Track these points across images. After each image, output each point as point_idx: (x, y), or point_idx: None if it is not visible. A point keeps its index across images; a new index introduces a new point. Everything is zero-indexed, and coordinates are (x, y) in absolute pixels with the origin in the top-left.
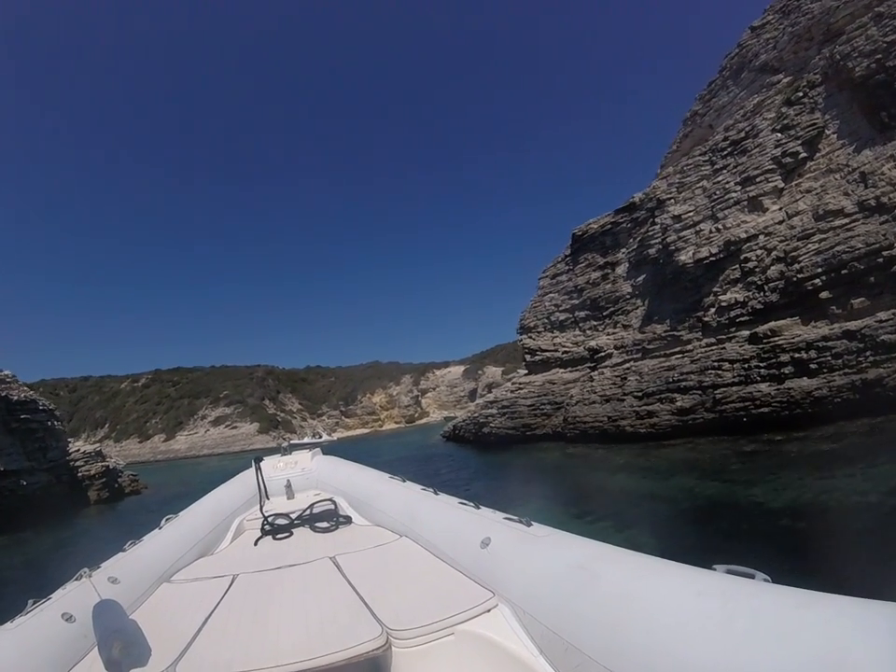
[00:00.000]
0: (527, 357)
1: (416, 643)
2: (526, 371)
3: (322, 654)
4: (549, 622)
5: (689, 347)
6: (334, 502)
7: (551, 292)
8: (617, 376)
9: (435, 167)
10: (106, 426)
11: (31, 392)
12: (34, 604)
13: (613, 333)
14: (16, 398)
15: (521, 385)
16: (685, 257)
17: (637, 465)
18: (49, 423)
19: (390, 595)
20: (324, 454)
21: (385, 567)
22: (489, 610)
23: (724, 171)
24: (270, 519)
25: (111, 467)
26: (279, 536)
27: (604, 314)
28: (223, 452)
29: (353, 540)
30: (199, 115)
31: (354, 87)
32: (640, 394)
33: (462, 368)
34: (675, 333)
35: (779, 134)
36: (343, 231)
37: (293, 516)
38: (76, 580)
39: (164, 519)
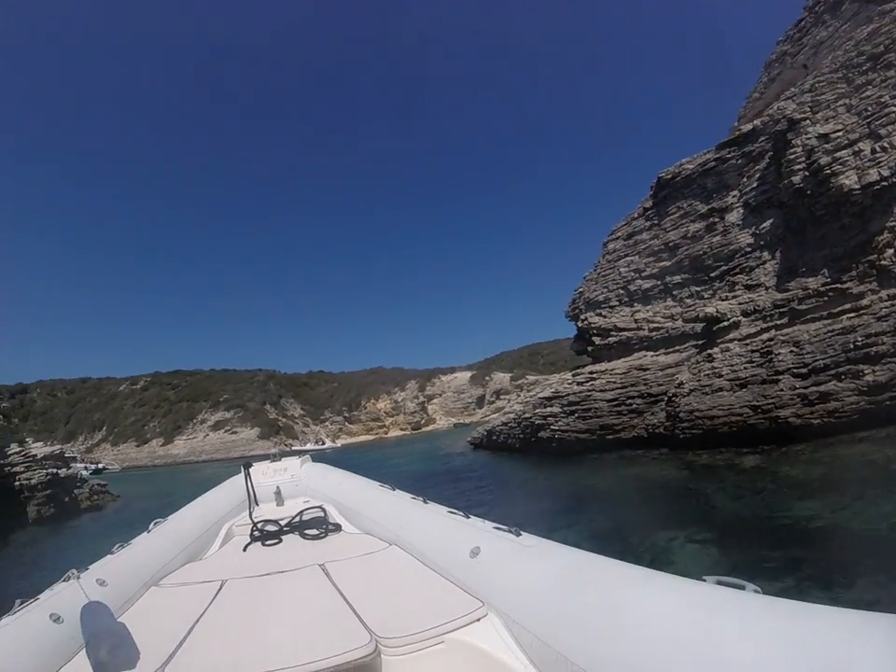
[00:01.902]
0: (596, 340)
1: (406, 651)
2: (591, 361)
3: (311, 661)
4: (538, 631)
5: (864, 302)
6: (324, 510)
7: (626, 255)
8: (754, 351)
9: (437, 175)
10: (104, 428)
11: None
12: (21, 604)
13: (734, 297)
14: None
15: (594, 375)
16: (849, 181)
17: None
18: None
19: (379, 603)
20: (315, 461)
21: (374, 574)
22: (479, 619)
23: (870, 86)
24: (259, 525)
25: (63, 475)
26: (268, 542)
27: (712, 275)
28: (223, 457)
29: (342, 548)
30: (203, 116)
31: (360, 84)
32: (805, 370)
33: (469, 373)
34: (838, 286)
35: None
36: (346, 235)
37: (282, 523)
38: (63, 581)
39: (153, 522)
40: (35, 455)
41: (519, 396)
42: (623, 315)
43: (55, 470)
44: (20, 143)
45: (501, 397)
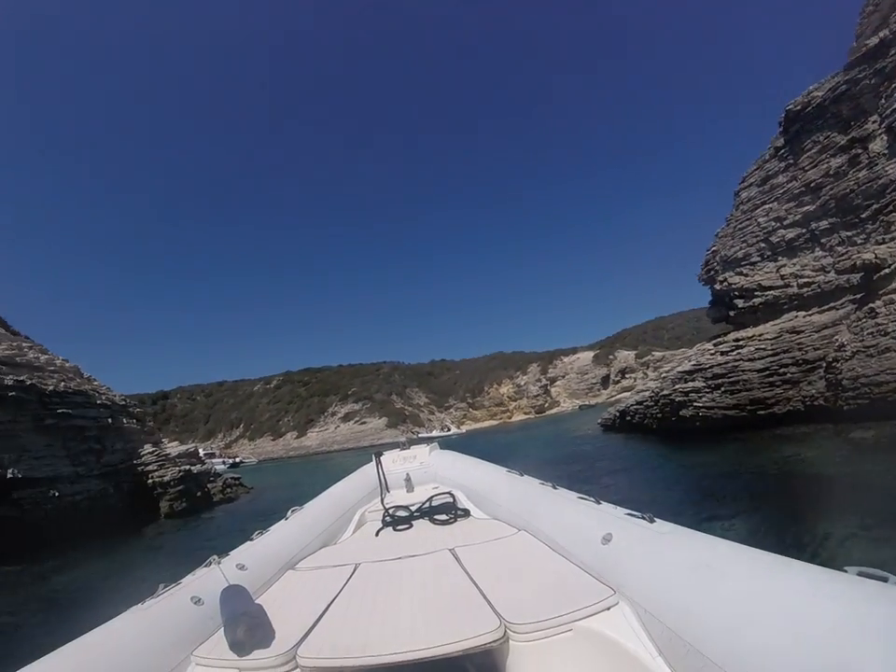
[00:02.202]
0: (738, 303)
1: (534, 637)
2: (733, 328)
3: (440, 644)
4: (670, 622)
5: None
6: (453, 495)
7: (763, 203)
8: None
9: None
10: (241, 426)
11: (82, 382)
12: (164, 588)
13: (892, 238)
14: (52, 388)
15: (740, 343)
16: None
17: None
18: (110, 420)
19: (508, 589)
20: (442, 448)
21: (503, 560)
22: (609, 608)
23: None
24: (390, 511)
25: (196, 471)
26: (399, 527)
27: (863, 215)
28: (353, 447)
29: (471, 533)
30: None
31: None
32: None
33: (591, 353)
34: None
35: None
36: (461, 228)
37: (413, 508)
38: (205, 566)
39: (290, 510)
40: (168, 454)
41: (646, 374)
42: (766, 272)
43: (188, 467)
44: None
45: (627, 375)
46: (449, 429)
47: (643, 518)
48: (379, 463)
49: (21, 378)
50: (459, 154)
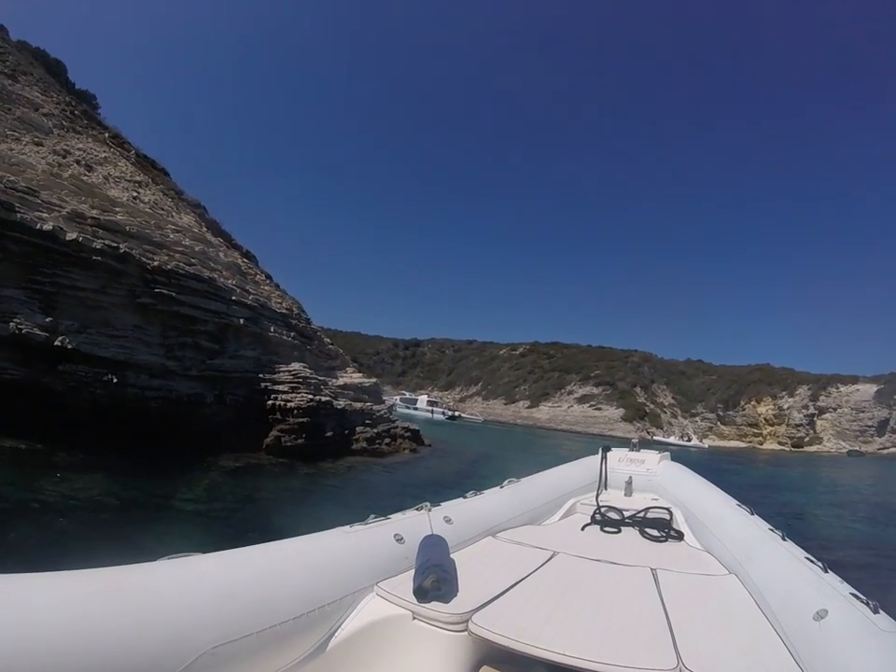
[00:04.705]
0: None
1: None
2: None
3: (609, 662)
4: None
5: None
6: (670, 513)
7: None
8: None
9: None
10: (479, 384)
11: (243, 281)
12: (374, 518)
13: None
14: (156, 263)
15: None
16: None
17: None
18: (242, 321)
19: (697, 632)
20: (674, 460)
21: (703, 599)
22: None
23: None
24: (602, 510)
25: (343, 406)
26: (607, 528)
27: None
28: (581, 431)
29: (679, 559)
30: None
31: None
32: None
33: (874, 387)
34: None
35: None
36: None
37: (626, 514)
38: (416, 509)
39: (507, 480)
40: (327, 382)
41: None
42: None
43: (329, 399)
44: None
45: None
46: (690, 439)
47: (866, 604)
48: (604, 458)
49: (117, 244)
50: None
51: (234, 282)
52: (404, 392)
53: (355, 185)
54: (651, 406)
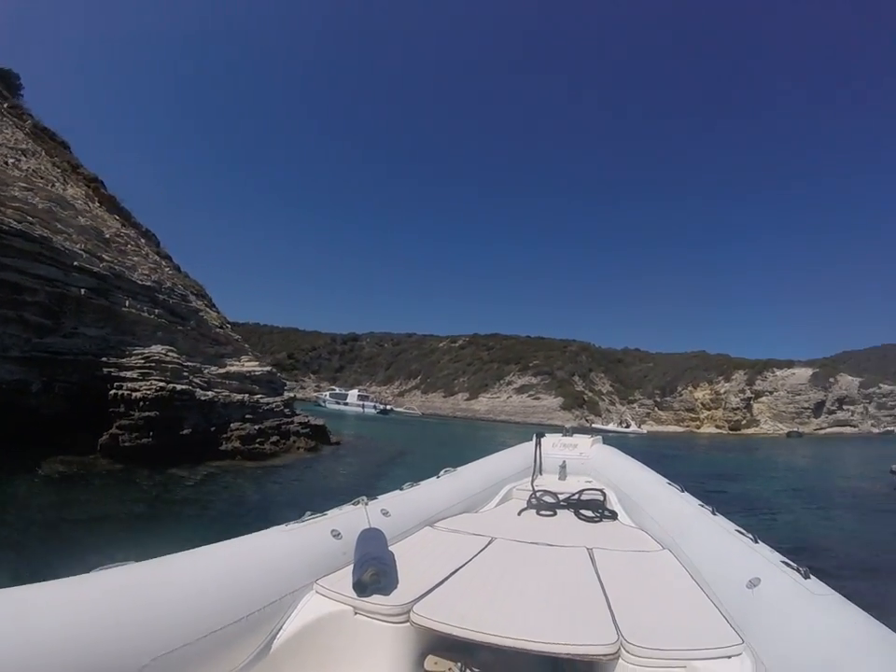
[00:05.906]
0: None
1: (645, 664)
2: None
3: (550, 641)
4: None
5: None
6: (604, 494)
7: None
8: None
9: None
10: (419, 378)
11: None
12: (310, 515)
13: None
14: None
15: None
16: None
17: None
18: (83, 292)
19: (635, 606)
20: (607, 444)
21: (638, 575)
22: (729, 657)
23: None
24: (538, 494)
25: (205, 398)
26: (543, 512)
27: None
28: (520, 421)
29: (613, 538)
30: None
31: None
32: None
33: (809, 371)
34: None
35: None
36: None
37: (561, 497)
38: (352, 504)
39: (443, 470)
40: (200, 368)
41: (867, 408)
42: None
43: (185, 387)
44: None
45: (844, 407)
46: (628, 425)
47: (797, 570)
48: (538, 444)
49: None
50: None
51: (84, 247)
52: (334, 388)
53: (291, 172)
54: (590, 394)
